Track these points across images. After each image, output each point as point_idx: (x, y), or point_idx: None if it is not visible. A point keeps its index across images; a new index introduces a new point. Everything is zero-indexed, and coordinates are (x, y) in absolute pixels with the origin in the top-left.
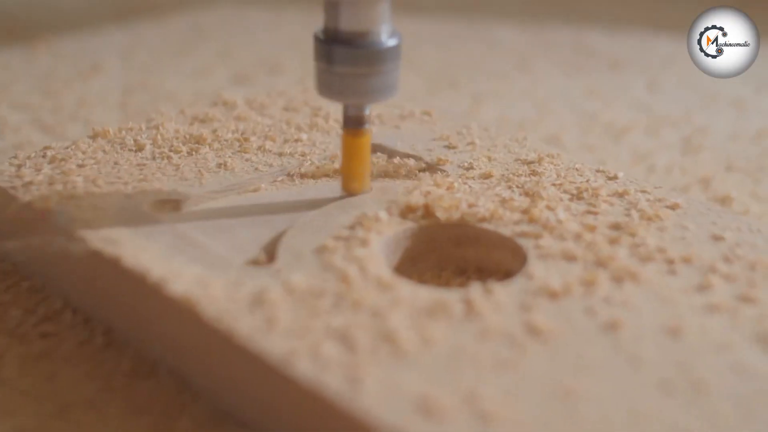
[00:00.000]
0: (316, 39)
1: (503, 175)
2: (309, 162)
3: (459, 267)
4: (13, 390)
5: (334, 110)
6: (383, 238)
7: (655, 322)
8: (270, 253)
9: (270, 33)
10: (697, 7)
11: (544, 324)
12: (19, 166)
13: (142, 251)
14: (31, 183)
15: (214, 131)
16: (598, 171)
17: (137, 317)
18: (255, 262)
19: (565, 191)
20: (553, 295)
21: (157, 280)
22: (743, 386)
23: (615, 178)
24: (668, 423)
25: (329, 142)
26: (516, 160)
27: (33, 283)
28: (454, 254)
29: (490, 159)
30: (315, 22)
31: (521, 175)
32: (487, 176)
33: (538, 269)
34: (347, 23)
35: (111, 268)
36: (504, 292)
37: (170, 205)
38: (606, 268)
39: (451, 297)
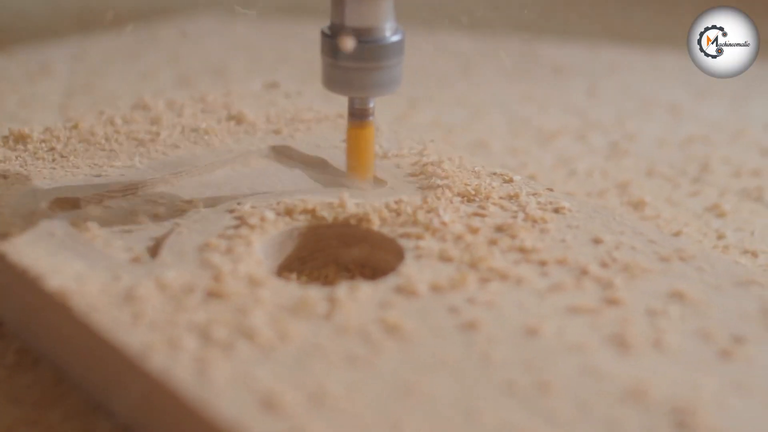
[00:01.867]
0: (323, 34)
1: (399, 176)
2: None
3: (346, 267)
4: None
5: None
6: (267, 238)
7: (514, 323)
8: (154, 249)
9: (221, 39)
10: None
11: (402, 323)
12: None
13: (30, 247)
14: None
15: (127, 132)
16: (494, 174)
17: (22, 311)
18: (137, 259)
19: (457, 194)
20: (417, 294)
21: (36, 274)
22: (587, 387)
23: (510, 181)
24: (503, 422)
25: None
26: (415, 163)
27: None
28: (341, 254)
29: (385, 157)
30: (269, 29)
31: (417, 176)
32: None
33: (411, 269)
34: (353, 19)
35: None
36: (369, 291)
37: (69, 203)
38: (477, 269)
39: (317, 295)
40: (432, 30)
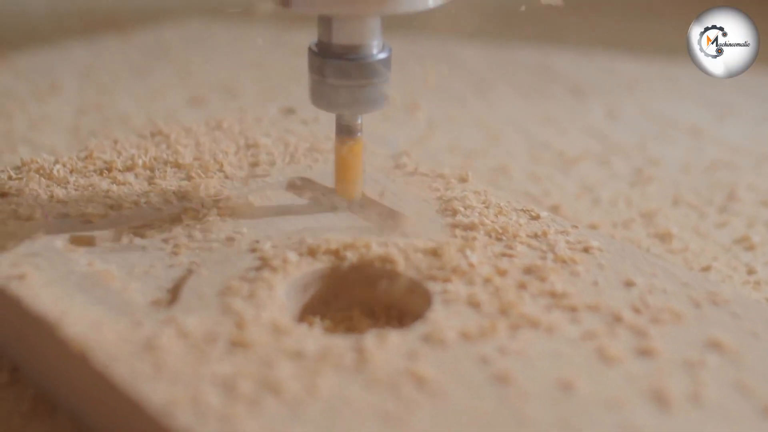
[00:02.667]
0: (310, 51)
1: (423, 212)
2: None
3: (370, 309)
4: None
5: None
6: (290, 280)
7: (548, 376)
8: (174, 292)
9: (232, 53)
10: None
11: (432, 375)
12: None
13: (46, 290)
14: None
15: (144, 163)
16: (521, 210)
17: (38, 357)
18: (157, 303)
19: (484, 233)
20: (447, 343)
21: (52, 321)
22: None
23: (537, 218)
24: None
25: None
26: (439, 198)
27: None
28: (366, 296)
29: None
30: (283, 41)
31: (442, 212)
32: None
33: (439, 315)
34: (339, 37)
35: (13, 306)
36: (397, 340)
37: (85, 240)
38: (507, 316)
39: (344, 344)
40: (444, 46)
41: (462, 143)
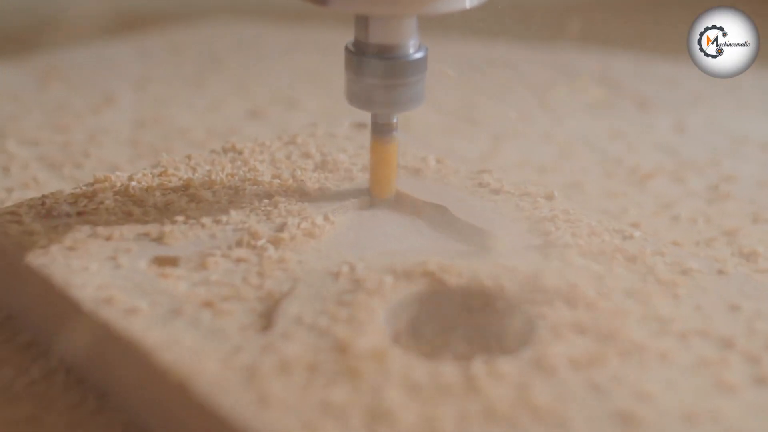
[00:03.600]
0: (347, 50)
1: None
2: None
3: (466, 333)
4: None
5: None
6: (387, 304)
7: (668, 407)
8: (268, 317)
9: (286, 61)
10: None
11: (548, 405)
12: (17, 214)
13: (137, 314)
14: (30, 233)
15: (219, 182)
16: (614, 230)
17: (131, 384)
18: (249, 328)
19: (581, 254)
20: (557, 371)
21: (148, 348)
22: None
23: (631, 237)
24: None
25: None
26: (529, 217)
27: (27, 337)
28: (463, 320)
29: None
30: (338, 48)
31: (534, 232)
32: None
33: (544, 341)
34: (376, 36)
35: (102, 330)
36: (507, 368)
37: (169, 261)
38: (615, 341)
39: (452, 371)
40: (500, 53)
41: (532, 158)
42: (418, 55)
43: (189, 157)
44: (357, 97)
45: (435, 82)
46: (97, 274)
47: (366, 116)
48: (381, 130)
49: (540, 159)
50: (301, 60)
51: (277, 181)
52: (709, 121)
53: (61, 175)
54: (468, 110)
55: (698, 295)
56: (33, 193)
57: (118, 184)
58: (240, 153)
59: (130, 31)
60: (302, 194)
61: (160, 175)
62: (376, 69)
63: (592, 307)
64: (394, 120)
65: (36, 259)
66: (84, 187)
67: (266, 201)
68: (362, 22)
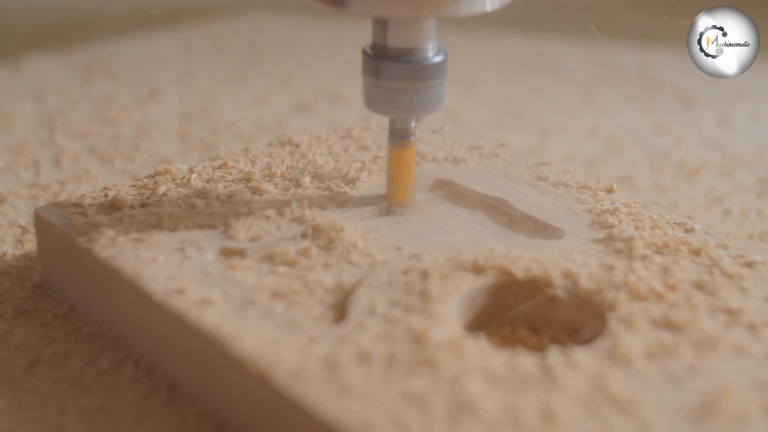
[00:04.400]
0: (365, 54)
1: (577, 225)
2: None
3: (535, 324)
4: None
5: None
6: (458, 295)
7: (751, 400)
8: (340, 309)
9: (327, 56)
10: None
11: (626, 395)
12: (81, 206)
13: (210, 305)
14: (95, 225)
15: (279, 174)
16: (676, 223)
17: (204, 374)
18: (322, 319)
19: (645, 246)
20: (632, 361)
21: (225, 339)
22: None
23: (692, 230)
24: None
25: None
26: (590, 210)
27: (93, 328)
28: (531, 312)
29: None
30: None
31: (594, 224)
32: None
33: (616, 332)
34: (395, 40)
35: (175, 322)
36: (582, 358)
37: (237, 253)
38: (687, 333)
39: (528, 362)
40: (540, 49)
41: (579, 152)
42: (438, 59)
43: (247, 150)
44: (375, 102)
45: (478, 78)
46: (166, 265)
47: None
48: (399, 135)
49: (588, 153)
50: (343, 54)
51: (337, 173)
52: (754, 116)
53: (113, 168)
54: (513, 105)
55: (765, 287)
56: (86, 186)
57: (179, 176)
58: (297, 146)
59: (170, 25)
60: (363, 186)
61: (220, 167)
62: (395, 73)
63: (662, 300)
64: (412, 125)
65: (103, 250)
66: (145, 180)
67: (328, 193)
68: (381, 25)
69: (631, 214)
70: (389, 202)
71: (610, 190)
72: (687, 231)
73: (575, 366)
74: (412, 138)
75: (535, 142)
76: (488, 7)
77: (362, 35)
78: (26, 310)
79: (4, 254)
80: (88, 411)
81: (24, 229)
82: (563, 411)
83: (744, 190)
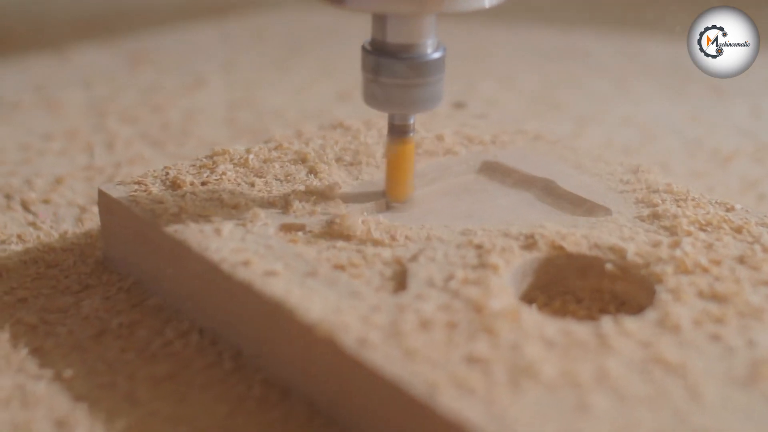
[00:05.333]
0: (364, 50)
1: (623, 204)
2: None
3: (584, 297)
4: (146, 412)
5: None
6: (512, 268)
7: None
8: (399, 280)
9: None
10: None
11: (677, 360)
12: (144, 184)
13: (275, 276)
14: (159, 201)
15: (334, 155)
16: (717, 203)
17: (268, 342)
18: (382, 290)
19: (689, 223)
20: (681, 329)
21: (292, 306)
22: None
23: (732, 209)
24: None
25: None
26: (634, 190)
27: (157, 301)
28: (580, 285)
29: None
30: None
31: (639, 203)
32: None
33: (666, 303)
34: (394, 36)
35: (241, 291)
36: (634, 326)
37: (296, 228)
38: (733, 304)
39: (584, 330)
40: (578, 45)
41: (616, 140)
42: (437, 55)
43: (300, 132)
44: (374, 98)
45: (514, 70)
46: (230, 239)
47: (463, 96)
48: (398, 131)
49: (624, 141)
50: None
51: (382, 152)
52: None
53: (165, 152)
54: (549, 95)
55: None
56: (141, 169)
57: (237, 156)
58: (348, 129)
59: (211, 17)
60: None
61: (275, 148)
62: (394, 69)
63: (707, 273)
64: (411, 121)
65: (168, 225)
66: (204, 159)
67: (376, 174)
68: (380, 21)
69: (673, 194)
70: (388, 199)
71: (650, 172)
72: (728, 210)
73: (628, 333)
74: (412, 134)
75: (571, 131)
76: (486, 3)
77: None
78: (91, 284)
79: (65, 232)
80: (157, 378)
81: (82, 209)
82: (618, 374)
83: None
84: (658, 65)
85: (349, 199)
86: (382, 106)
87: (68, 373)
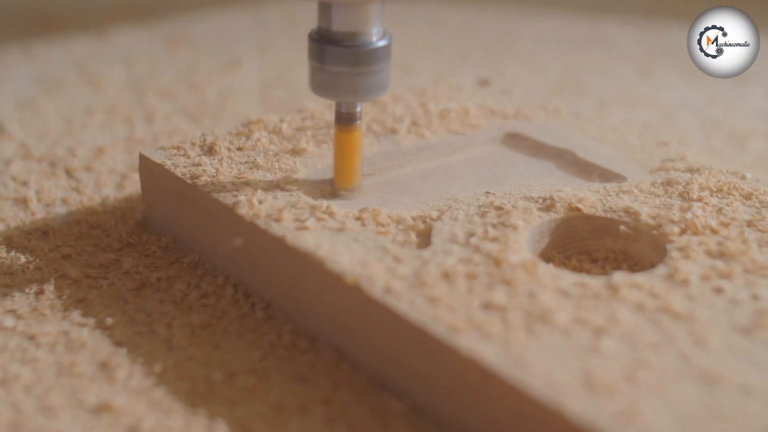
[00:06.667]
0: (310, 39)
1: (637, 171)
2: None
3: (599, 257)
4: (183, 356)
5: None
6: (530, 227)
7: None
8: (423, 237)
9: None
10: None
11: (685, 310)
12: (183, 149)
13: (305, 231)
14: (197, 164)
15: (365, 125)
16: (729, 172)
17: (298, 293)
18: (408, 245)
19: (700, 188)
20: (690, 283)
21: (322, 256)
22: None
23: (743, 178)
24: None
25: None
26: (649, 159)
27: (193, 258)
28: (595, 245)
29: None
30: (442, 20)
31: (656, 171)
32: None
33: (675, 261)
34: (339, 24)
35: (273, 245)
36: (643, 280)
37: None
38: (740, 262)
39: (596, 282)
40: (602, 33)
41: (636, 120)
42: (382, 43)
43: (330, 105)
44: (321, 86)
45: (538, 56)
46: (264, 199)
47: (487, 72)
48: (345, 119)
49: (644, 121)
50: (413, 30)
51: (416, 126)
52: None
53: (202, 125)
54: (572, 79)
55: None
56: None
57: (271, 125)
58: (377, 102)
59: (246, 2)
60: (431, 136)
61: (308, 118)
62: (340, 57)
63: (716, 234)
64: (358, 109)
65: (206, 185)
66: (240, 128)
67: (403, 141)
68: (325, 9)
69: (687, 162)
70: (334, 186)
71: (666, 144)
72: (740, 178)
73: (638, 286)
74: (358, 122)
75: (593, 112)
76: None
77: (434, 15)
78: (131, 242)
79: (107, 197)
80: (194, 327)
81: (123, 176)
82: (628, 321)
83: None
84: (681, 52)
85: (459, 141)
86: (328, 94)
87: (110, 321)
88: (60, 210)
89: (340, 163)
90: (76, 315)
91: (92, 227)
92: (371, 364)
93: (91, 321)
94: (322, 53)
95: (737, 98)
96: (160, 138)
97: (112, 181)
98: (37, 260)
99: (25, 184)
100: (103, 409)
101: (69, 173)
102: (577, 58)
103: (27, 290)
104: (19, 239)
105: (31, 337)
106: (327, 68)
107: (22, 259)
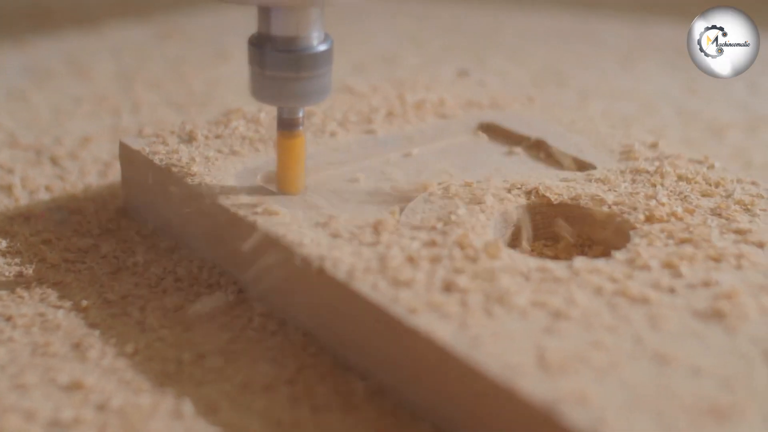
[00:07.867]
0: (250, 44)
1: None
2: None
3: (564, 243)
4: (155, 337)
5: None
6: (497, 213)
7: (749, 303)
8: (391, 222)
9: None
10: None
11: (643, 294)
12: (162, 137)
13: (275, 216)
14: (175, 152)
15: (341, 115)
16: (697, 161)
17: (268, 278)
18: (377, 228)
19: (668, 176)
20: (650, 268)
21: (288, 242)
22: None
23: (712, 167)
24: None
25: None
26: (618, 148)
27: (170, 243)
28: (561, 231)
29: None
30: (434, 14)
31: (624, 160)
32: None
33: (638, 246)
34: (278, 29)
35: (246, 230)
36: (604, 264)
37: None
38: (701, 248)
39: (557, 266)
40: (587, 28)
41: (615, 111)
42: (323, 48)
43: None
44: (261, 91)
45: (522, 49)
46: (236, 185)
47: (471, 64)
48: (286, 125)
49: (623, 112)
50: (400, 26)
51: (391, 116)
52: None
53: (188, 115)
54: (554, 71)
55: None
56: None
57: (250, 115)
58: (352, 92)
59: None
60: (413, 124)
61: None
62: (280, 62)
63: (681, 221)
64: (300, 114)
65: (184, 175)
66: (220, 116)
67: (380, 130)
68: (264, 14)
69: (655, 151)
70: (279, 190)
71: (638, 134)
72: (708, 168)
73: (598, 271)
74: (300, 128)
75: (573, 102)
76: None
77: (422, 10)
78: (110, 228)
79: (90, 185)
80: (166, 309)
81: (107, 165)
82: (585, 305)
83: (767, 146)
84: (664, 47)
85: (436, 128)
86: (269, 99)
87: (85, 303)
88: (43, 196)
89: (283, 170)
90: (52, 297)
91: (73, 213)
92: (337, 347)
93: (67, 303)
94: (262, 58)
95: (718, 91)
96: (146, 128)
97: (95, 170)
98: (18, 245)
99: (11, 171)
100: (74, 387)
101: (54, 161)
102: (561, 52)
103: (6, 273)
104: (1, 224)
105: (8, 318)
106: (268, 73)
107: (3, 243)
